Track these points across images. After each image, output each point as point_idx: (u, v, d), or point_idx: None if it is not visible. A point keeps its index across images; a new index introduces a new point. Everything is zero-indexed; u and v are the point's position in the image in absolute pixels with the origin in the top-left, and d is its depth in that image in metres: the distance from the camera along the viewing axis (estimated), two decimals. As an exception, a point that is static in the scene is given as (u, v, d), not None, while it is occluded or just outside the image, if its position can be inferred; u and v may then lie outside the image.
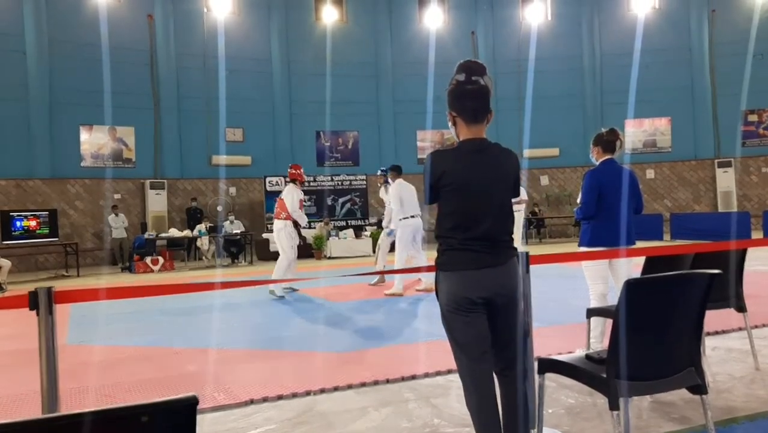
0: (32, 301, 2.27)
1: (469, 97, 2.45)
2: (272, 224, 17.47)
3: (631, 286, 2.19)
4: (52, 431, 1.05)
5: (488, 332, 2.43)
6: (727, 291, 4.00)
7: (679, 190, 20.93)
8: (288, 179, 9.30)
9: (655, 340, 2.25)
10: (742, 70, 19.31)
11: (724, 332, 5.12)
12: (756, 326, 5.13)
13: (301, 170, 9.35)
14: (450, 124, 2.54)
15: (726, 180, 20.26)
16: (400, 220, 8.47)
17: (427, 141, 21.03)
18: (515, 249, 2.53)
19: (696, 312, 2.30)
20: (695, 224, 15.86)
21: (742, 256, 4.10)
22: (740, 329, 4.96)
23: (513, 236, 2.55)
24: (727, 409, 3.35)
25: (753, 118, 20.47)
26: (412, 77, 20.30)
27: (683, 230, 15.85)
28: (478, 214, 2.41)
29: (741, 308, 4.08)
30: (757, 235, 14.94)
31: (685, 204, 20.77)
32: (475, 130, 2.48)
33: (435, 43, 19.86)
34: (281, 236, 8.92)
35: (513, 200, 2.57)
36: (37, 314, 2.27)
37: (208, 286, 5.69)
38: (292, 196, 8.93)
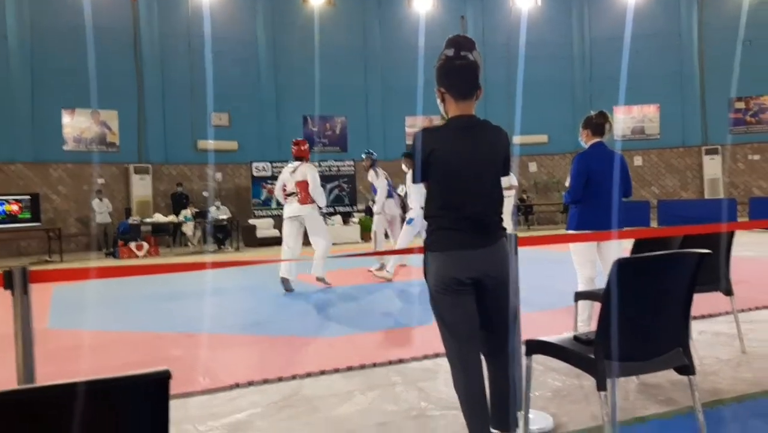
0: (7, 281, 2.20)
1: (458, 72, 2.39)
2: (259, 210, 17.56)
3: (620, 266, 2.15)
4: (21, 403, 1.00)
5: (476, 314, 2.39)
6: (715, 274, 4.00)
7: (666, 177, 21.02)
8: (297, 157, 8.13)
9: (643, 320, 2.22)
10: (730, 57, 19.34)
11: (711, 316, 5.13)
12: (742, 310, 5.15)
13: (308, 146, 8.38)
14: (438, 101, 2.48)
15: (713, 167, 20.36)
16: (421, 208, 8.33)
17: (416, 127, 20.95)
18: (505, 230, 2.48)
19: (685, 292, 2.28)
20: (682, 210, 15.94)
21: (729, 239, 4.09)
22: (727, 313, 4.97)
23: (503, 216, 2.50)
24: (713, 391, 3.35)
25: (740, 105, 20.55)
26: (401, 62, 20.15)
27: (670, 217, 15.92)
28: (467, 194, 2.36)
29: (728, 291, 4.08)
30: (742, 222, 15.05)
31: (672, 191, 20.87)
32: (464, 107, 2.42)
33: (424, 28, 19.71)
34: (316, 220, 7.98)
35: (503, 185, 2.51)
36: (12, 294, 2.20)
37: (196, 265, 5.59)
38: (314, 175, 7.93)
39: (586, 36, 21.25)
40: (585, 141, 4.51)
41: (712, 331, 4.70)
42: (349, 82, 20.39)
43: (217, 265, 5.59)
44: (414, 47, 19.22)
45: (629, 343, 2.17)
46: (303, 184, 7.92)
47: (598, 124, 4.45)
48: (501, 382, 2.43)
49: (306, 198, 7.92)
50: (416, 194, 8.12)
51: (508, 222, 12.15)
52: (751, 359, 3.94)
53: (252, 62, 19.53)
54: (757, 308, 5.40)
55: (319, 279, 7.98)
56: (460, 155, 2.36)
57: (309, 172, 7.93)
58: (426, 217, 2.46)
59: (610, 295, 2.14)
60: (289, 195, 8.02)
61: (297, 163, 8.08)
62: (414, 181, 2.48)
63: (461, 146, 2.37)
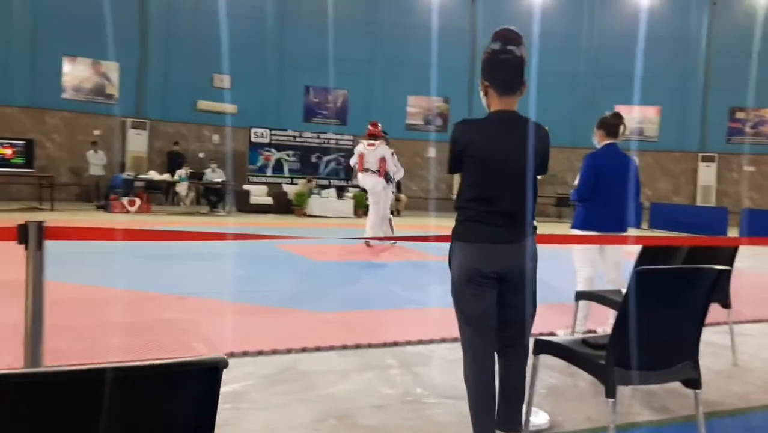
0: (21, 235, 2.17)
1: (503, 67, 2.38)
2: (254, 176, 17.45)
3: (640, 275, 2.15)
4: (57, 384, 0.97)
5: (495, 308, 2.40)
6: (717, 286, 4.01)
7: (660, 180, 21.09)
8: (373, 136, 9.52)
9: (658, 331, 2.23)
10: (735, 66, 19.33)
11: (705, 325, 5.16)
12: (737, 322, 5.19)
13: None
14: (482, 94, 2.47)
15: (707, 174, 20.47)
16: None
17: (417, 107, 20.87)
18: (533, 227, 2.48)
19: (701, 306, 2.29)
20: (674, 215, 16.06)
21: (733, 253, 4.12)
22: (719, 323, 5.00)
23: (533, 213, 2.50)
24: (704, 402, 3.37)
25: (741, 115, 20.60)
26: (408, 41, 19.96)
27: (662, 220, 16.04)
28: (498, 189, 2.36)
29: (726, 304, 4.11)
30: (732, 231, 15.16)
31: (664, 195, 20.95)
32: (506, 102, 2.40)
33: (432, 9, 19.54)
34: (379, 196, 9.30)
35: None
36: (26, 249, 2.17)
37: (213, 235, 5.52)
38: (391, 156, 9.46)
39: (595, 31, 21.13)
40: (598, 141, 4.50)
41: (705, 341, 4.69)
42: (354, 55, 20.18)
43: (229, 237, 5.55)
44: (421, 26, 19.03)
45: (642, 352, 2.18)
46: (383, 160, 9.37)
47: (613, 125, 4.45)
48: (512, 379, 2.44)
49: (383, 172, 9.38)
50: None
51: None
52: (743, 373, 3.98)
53: (259, 27, 19.28)
54: (749, 322, 5.46)
55: (367, 244, 9.10)
56: (497, 150, 2.36)
57: (386, 152, 9.44)
58: (456, 207, 2.47)
59: (628, 303, 2.14)
60: (366, 169, 9.39)
61: (376, 141, 9.43)
62: (449, 171, 2.49)
63: (498, 141, 2.36)
